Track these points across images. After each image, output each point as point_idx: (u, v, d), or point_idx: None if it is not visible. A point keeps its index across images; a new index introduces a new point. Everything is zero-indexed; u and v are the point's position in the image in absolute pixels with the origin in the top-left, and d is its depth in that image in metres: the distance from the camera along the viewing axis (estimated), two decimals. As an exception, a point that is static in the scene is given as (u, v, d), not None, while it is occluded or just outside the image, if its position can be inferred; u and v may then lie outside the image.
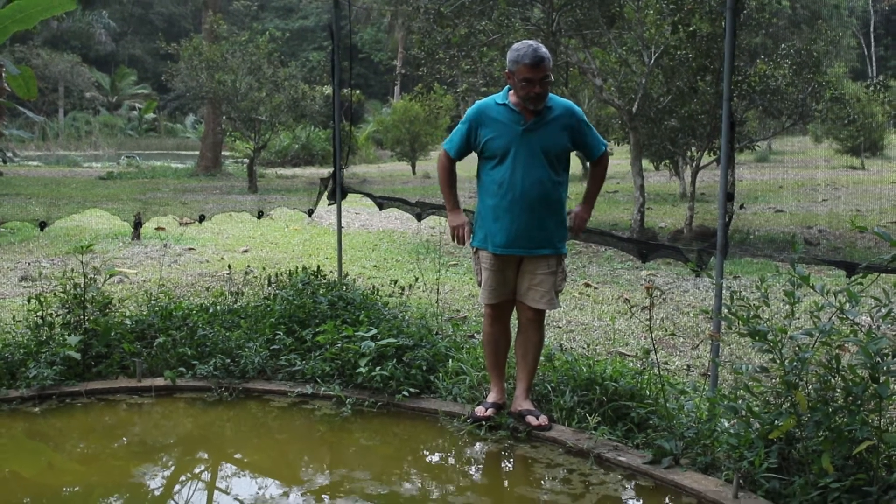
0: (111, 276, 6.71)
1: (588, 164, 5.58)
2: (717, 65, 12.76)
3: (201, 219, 8.46)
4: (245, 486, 4.75)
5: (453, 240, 5.44)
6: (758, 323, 4.28)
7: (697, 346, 7.26)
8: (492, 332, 5.40)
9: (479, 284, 5.38)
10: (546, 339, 6.91)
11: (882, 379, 3.92)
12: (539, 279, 5.21)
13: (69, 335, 6.13)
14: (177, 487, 4.73)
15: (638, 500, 4.48)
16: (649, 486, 4.55)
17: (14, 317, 7.06)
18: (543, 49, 5.02)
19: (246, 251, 12.53)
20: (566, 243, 5.31)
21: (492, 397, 5.37)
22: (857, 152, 31.53)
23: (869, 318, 4.19)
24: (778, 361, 4.18)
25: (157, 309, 6.64)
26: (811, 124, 27.80)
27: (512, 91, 5.17)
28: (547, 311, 5.39)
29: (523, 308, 5.31)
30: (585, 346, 6.96)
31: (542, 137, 5.12)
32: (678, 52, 13.14)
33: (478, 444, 5.12)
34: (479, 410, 5.28)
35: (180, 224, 14.74)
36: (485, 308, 5.44)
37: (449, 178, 5.43)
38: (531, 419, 5.13)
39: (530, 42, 5.06)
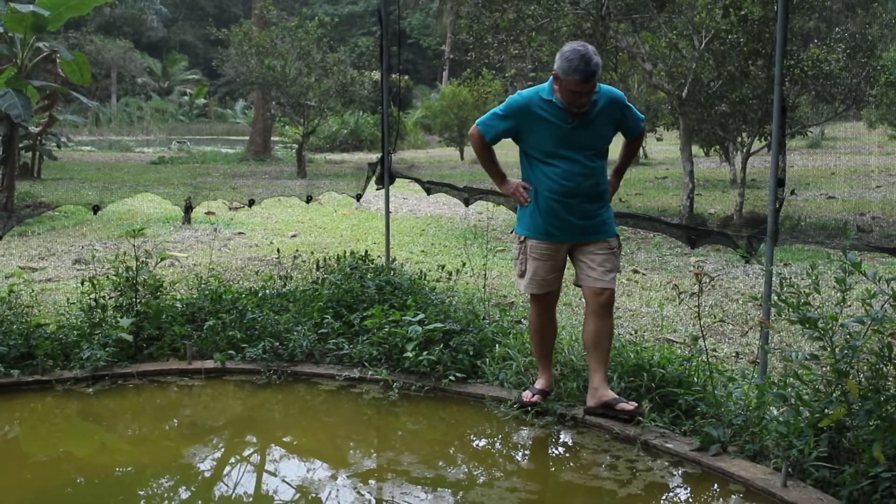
0: (162, 259, 6.81)
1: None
2: (769, 49, 12.57)
3: (251, 203, 8.54)
4: (293, 468, 4.80)
5: (519, 203, 5.25)
6: (808, 310, 4.23)
7: (746, 333, 7.19)
8: (539, 322, 5.35)
9: (521, 274, 5.29)
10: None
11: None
12: (600, 258, 5.14)
13: (121, 317, 6.23)
14: (226, 469, 4.79)
15: (685, 487, 4.46)
16: (696, 472, 4.53)
17: (68, 299, 7.18)
18: (595, 60, 4.86)
19: (294, 236, 12.62)
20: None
21: (539, 384, 5.33)
22: (913, 138, 30.92)
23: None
24: (828, 349, 4.14)
25: (207, 292, 6.72)
26: (865, 109, 27.33)
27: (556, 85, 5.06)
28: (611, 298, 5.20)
29: (591, 293, 5.15)
30: (633, 332, 6.93)
31: (590, 133, 5.08)
32: (729, 37, 12.97)
33: (524, 430, 5.13)
34: (526, 395, 5.26)
35: (230, 209, 14.87)
36: (531, 299, 5.39)
37: (489, 154, 5.32)
38: (624, 405, 4.97)
39: (583, 51, 4.88)
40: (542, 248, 5.18)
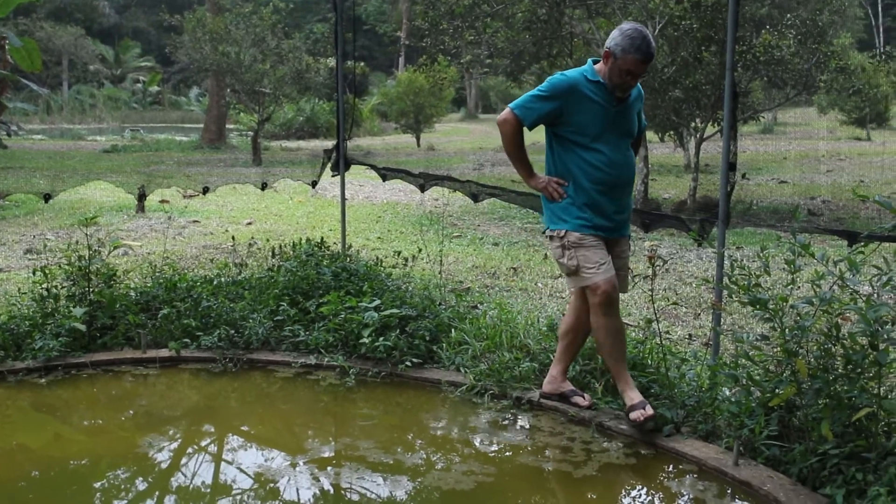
0: (115, 248, 6.75)
1: None
2: (722, 35, 12.68)
3: (205, 191, 8.48)
4: (250, 456, 4.79)
5: (551, 199, 4.91)
6: (758, 292, 4.30)
7: (699, 315, 7.28)
8: (611, 325, 4.83)
9: (569, 272, 4.88)
10: (549, 310, 6.95)
11: (881, 346, 3.94)
12: (622, 262, 5.00)
13: (74, 307, 6.17)
14: (182, 458, 4.77)
15: (639, 468, 4.51)
16: (650, 453, 4.59)
17: (19, 289, 7.09)
18: (654, 42, 4.75)
19: (250, 223, 12.55)
20: None
21: (636, 395, 4.80)
22: (863, 123, 31.43)
23: (869, 287, 4.19)
24: (778, 330, 4.20)
25: (161, 281, 6.67)
26: (816, 95, 27.69)
27: (598, 66, 4.85)
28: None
29: None
30: (588, 316, 6.97)
31: (628, 119, 4.92)
32: (682, 23, 13.07)
33: (481, 414, 5.15)
34: (640, 415, 4.68)
35: (184, 197, 14.75)
36: (592, 297, 4.81)
37: (520, 143, 4.94)
38: (577, 399, 5.00)
39: (644, 31, 4.70)
40: (587, 237, 4.82)
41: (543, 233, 5.07)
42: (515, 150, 4.94)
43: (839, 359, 4.15)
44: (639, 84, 4.99)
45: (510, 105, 4.91)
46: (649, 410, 4.67)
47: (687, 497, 4.23)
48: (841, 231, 5.26)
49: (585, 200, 4.82)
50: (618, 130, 4.86)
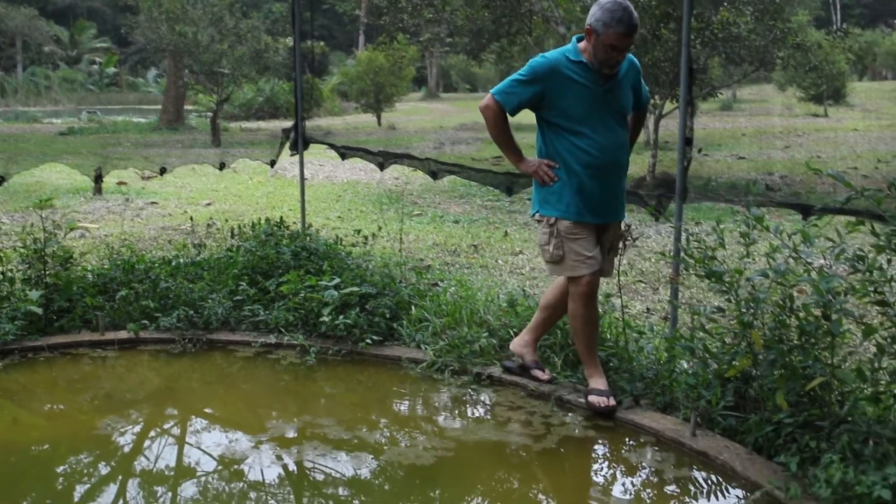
0: (71, 230, 6.67)
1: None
2: (680, 12, 12.71)
3: (162, 171, 8.40)
4: (212, 437, 4.77)
5: (542, 183, 4.79)
6: (714, 264, 4.34)
7: (657, 289, 7.34)
8: (586, 313, 4.81)
9: (556, 260, 4.79)
10: (509, 286, 6.98)
11: (834, 317, 4.00)
12: (609, 245, 4.92)
13: (30, 290, 6.09)
14: (144, 440, 4.74)
15: (598, 440, 4.55)
16: (609, 426, 4.63)
17: (-26, 273, 6.99)
18: (636, 14, 4.57)
19: (209, 204, 12.46)
20: None
21: (601, 382, 4.83)
22: (820, 100, 31.75)
23: (823, 260, 4.25)
24: (734, 302, 4.25)
25: (118, 262, 6.61)
26: (775, 72, 27.90)
27: (582, 45, 4.71)
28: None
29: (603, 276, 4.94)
30: (548, 291, 7.01)
31: (618, 97, 4.75)
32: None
33: (442, 390, 5.18)
34: (600, 401, 4.71)
35: (142, 178, 14.62)
36: (572, 287, 4.81)
37: (505, 128, 4.84)
38: (538, 373, 5.05)
39: (622, 1, 4.53)
40: (577, 227, 4.74)
41: (532, 216, 4.96)
42: (501, 134, 4.85)
43: (794, 330, 4.21)
44: (631, 55, 4.83)
45: (492, 90, 4.82)
46: (612, 402, 4.68)
47: (645, 468, 4.28)
48: (795, 204, 5.30)
49: (576, 185, 4.69)
50: (607, 110, 4.70)
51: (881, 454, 3.64)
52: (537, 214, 4.88)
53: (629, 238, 5.03)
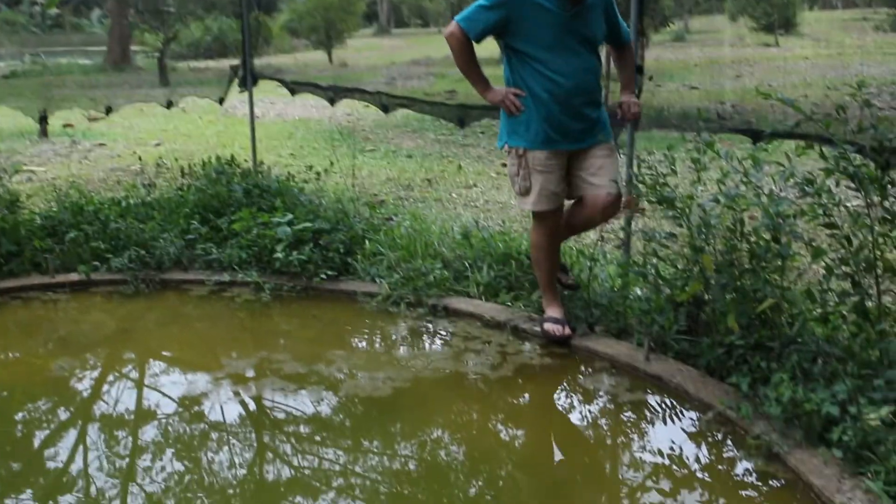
0: (17, 172, 6.55)
1: (614, 50, 4.97)
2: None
3: (108, 111, 8.25)
4: (169, 376, 4.76)
5: (509, 113, 4.66)
6: (665, 190, 4.35)
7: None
8: (548, 242, 4.83)
9: (524, 192, 4.74)
10: (464, 219, 6.97)
11: (784, 240, 4.05)
12: (600, 163, 4.69)
13: (-24, 234, 5.98)
14: (101, 382, 4.71)
15: (554, 368, 4.59)
16: (565, 353, 4.67)
17: (-83, 218, 6.84)
18: None
19: (158, 144, 12.28)
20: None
21: (557, 310, 4.84)
22: (771, 30, 31.78)
23: (773, 185, 4.28)
24: (685, 227, 4.27)
25: (67, 205, 6.49)
26: (726, 2, 27.89)
27: None
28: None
29: (593, 200, 4.72)
30: (502, 223, 7.03)
31: (585, 23, 4.56)
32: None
33: (398, 322, 5.18)
34: (555, 329, 4.74)
35: (89, 120, 14.34)
36: (536, 218, 4.82)
37: (471, 57, 4.68)
38: (564, 277, 5.01)
39: None
40: (546, 158, 4.64)
41: (500, 147, 4.87)
42: (466, 63, 4.69)
43: (744, 254, 4.25)
44: None
45: (456, 17, 4.68)
46: (567, 331, 4.70)
47: (600, 393, 4.33)
48: (746, 130, 5.33)
49: (544, 113, 4.58)
50: (574, 37, 4.54)
51: (830, 372, 3.72)
52: (506, 146, 4.79)
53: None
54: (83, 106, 13.59)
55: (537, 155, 4.64)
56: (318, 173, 7.41)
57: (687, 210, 4.29)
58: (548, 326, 4.75)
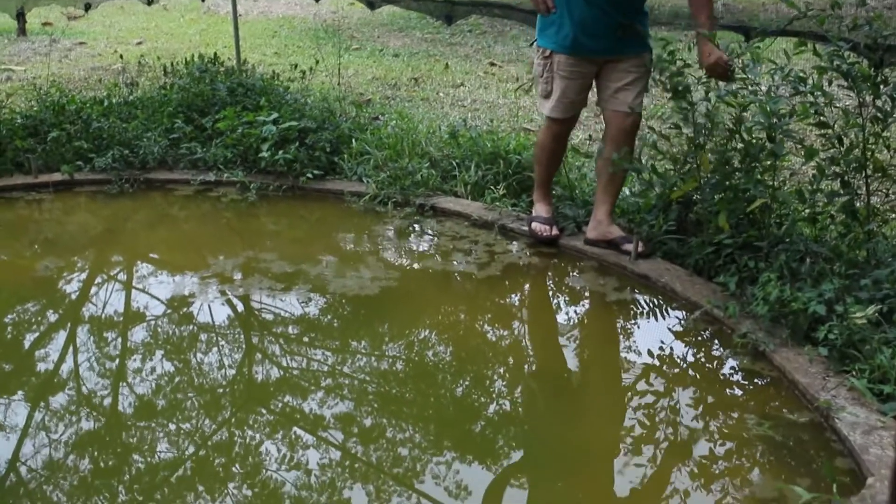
0: (-5, 69, 6.41)
1: None
2: None
3: (87, 7, 8.05)
4: (156, 277, 4.75)
5: (540, 11, 4.41)
6: (682, 81, 4.20)
7: (599, 115, 7.29)
8: (554, 146, 4.70)
9: (545, 95, 4.58)
10: (451, 118, 6.89)
11: (778, 139, 4.01)
12: (631, 77, 4.43)
13: (-45, 133, 5.88)
14: (89, 283, 4.69)
15: (542, 266, 4.59)
16: (552, 252, 4.67)
17: None
18: None
19: (140, 43, 12.03)
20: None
21: (546, 210, 4.76)
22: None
23: (766, 84, 4.22)
24: (690, 122, 4.18)
25: (48, 104, 6.36)
26: None
27: None
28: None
29: (614, 116, 4.51)
30: (490, 122, 6.95)
31: None
32: None
33: (385, 221, 5.15)
34: (542, 229, 4.67)
35: (68, 18, 14.03)
36: (548, 121, 4.67)
37: None
38: (629, 247, 4.43)
39: None
40: (571, 64, 4.45)
41: (531, 44, 4.75)
42: None
43: (738, 153, 4.21)
44: None
45: None
46: (555, 231, 4.64)
47: (587, 293, 4.34)
48: (738, 27, 5.26)
49: (578, 17, 4.34)
50: None
51: (817, 272, 3.73)
52: (535, 44, 4.62)
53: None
54: (62, 3, 13.26)
55: (563, 59, 4.45)
56: (303, 72, 7.30)
57: (693, 106, 4.17)
58: (535, 226, 4.71)
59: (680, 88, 4.18)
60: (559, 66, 4.47)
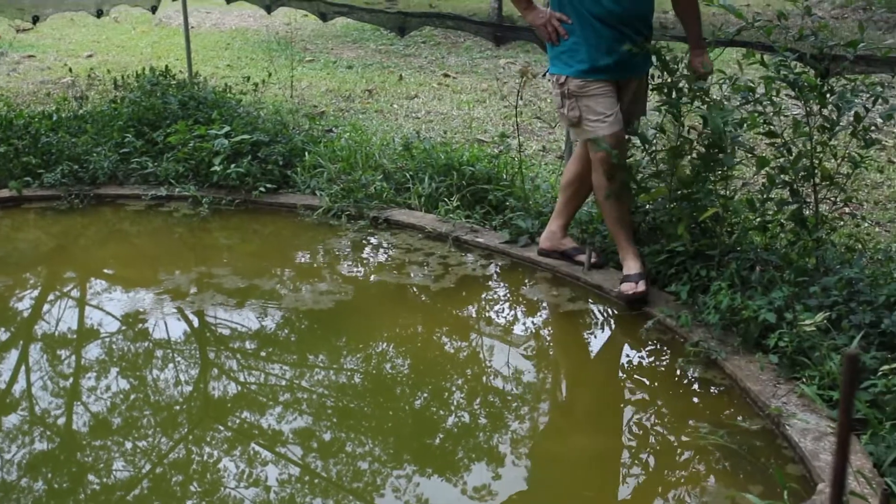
0: (-60, 84, 6.30)
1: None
2: None
3: (35, 20, 7.96)
4: (107, 292, 4.68)
5: (551, 41, 4.29)
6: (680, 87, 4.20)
7: (553, 129, 7.34)
8: (615, 185, 4.26)
9: (572, 122, 4.32)
10: (405, 130, 6.89)
11: (729, 148, 4.05)
12: (637, 105, 4.36)
13: None
14: (40, 300, 4.61)
15: (496, 278, 4.60)
16: (506, 263, 4.69)
17: None
18: None
19: (90, 56, 11.91)
20: None
21: (635, 267, 4.24)
22: (713, -65, 31.54)
23: (716, 94, 4.27)
24: (675, 129, 4.20)
25: (-5, 118, 6.29)
26: None
27: None
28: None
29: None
30: (444, 133, 6.96)
31: None
32: None
33: (339, 235, 5.13)
34: (630, 287, 4.16)
35: (17, 31, 13.85)
36: (596, 160, 4.25)
37: None
38: (581, 258, 4.39)
39: None
40: (593, 84, 4.21)
41: (543, 75, 4.64)
42: None
43: (692, 163, 4.23)
44: None
45: None
46: (641, 288, 4.14)
47: (542, 303, 4.35)
48: (685, 38, 5.28)
49: (592, 38, 4.17)
50: None
51: (767, 280, 3.77)
52: (549, 74, 4.42)
53: (529, 76, 4.74)
54: (9, 16, 13.10)
55: (579, 81, 4.22)
56: (255, 85, 7.26)
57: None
58: (625, 286, 4.19)
59: (674, 95, 4.16)
60: (580, 90, 4.22)
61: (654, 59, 4.22)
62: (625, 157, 4.29)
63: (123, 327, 4.18)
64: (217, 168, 5.56)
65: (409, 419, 3.46)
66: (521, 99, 6.71)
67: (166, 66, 7.14)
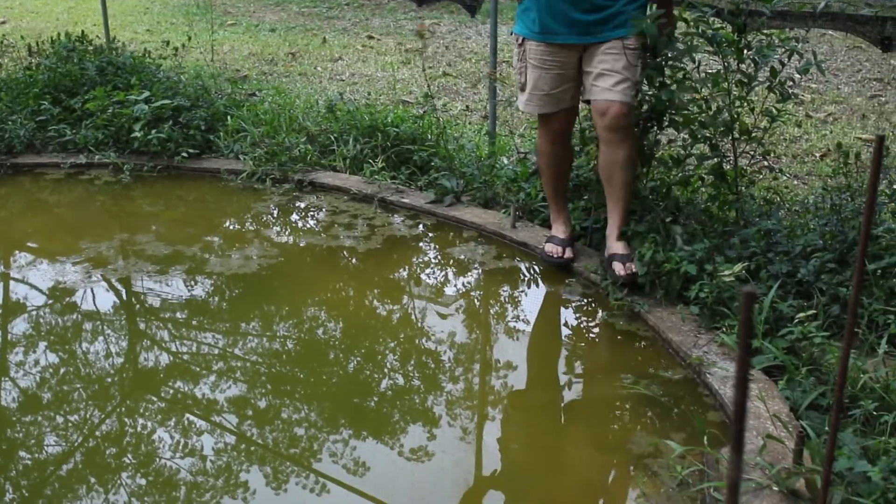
0: None
1: None
2: None
3: (-57, -15, 7.67)
4: (30, 265, 4.58)
5: None
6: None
7: (476, 86, 7.34)
8: (550, 151, 4.18)
9: (521, 87, 4.15)
10: (329, 93, 6.84)
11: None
12: (611, 63, 3.86)
13: None
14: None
15: (422, 237, 4.61)
16: (432, 223, 4.70)
17: None
18: None
19: (3, 22, 11.58)
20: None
21: (560, 230, 4.23)
22: None
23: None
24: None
25: None
26: None
27: None
28: (623, 115, 3.87)
29: (595, 110, 3.95)
30: (368, 95, 6.93)
31: None
32: None
33: (264, 199, 5.10)
34: (554, 250, 4.13)
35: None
36: (539, 119, 4.21)
37: None
38: (617, 266, 3.85)
39: None
40: (543, 52, 3.99)
41: (511, 33, 4.31)
42: None
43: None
44: None
45: None
46: (568, 254, 4.11)
47: (469, 262, 4.37)
48: None
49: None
50: None
51: (689, 233, 3.83)
52: (512, 33, 4.22)
53: (427, 33, 4.80)
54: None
55: (533, 46, 4.01)
56: (175, 49, 7.13)
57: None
58: (548, 247, 4.19)
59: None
60: (531, 55, 4.03)
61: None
62: (568, 135, 4.22)
63: (48, 300, 4.10)
64: (137, 134, 5.48)
65: (343, 383, 3.46)
66: (434, 59, 6.70)
67: (83, 32, 6.97)
